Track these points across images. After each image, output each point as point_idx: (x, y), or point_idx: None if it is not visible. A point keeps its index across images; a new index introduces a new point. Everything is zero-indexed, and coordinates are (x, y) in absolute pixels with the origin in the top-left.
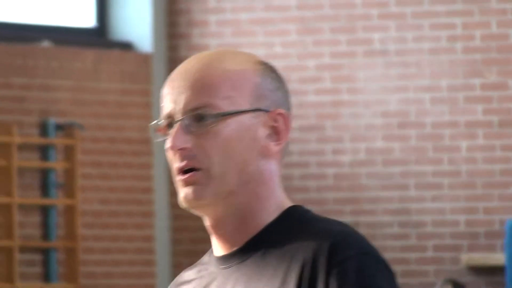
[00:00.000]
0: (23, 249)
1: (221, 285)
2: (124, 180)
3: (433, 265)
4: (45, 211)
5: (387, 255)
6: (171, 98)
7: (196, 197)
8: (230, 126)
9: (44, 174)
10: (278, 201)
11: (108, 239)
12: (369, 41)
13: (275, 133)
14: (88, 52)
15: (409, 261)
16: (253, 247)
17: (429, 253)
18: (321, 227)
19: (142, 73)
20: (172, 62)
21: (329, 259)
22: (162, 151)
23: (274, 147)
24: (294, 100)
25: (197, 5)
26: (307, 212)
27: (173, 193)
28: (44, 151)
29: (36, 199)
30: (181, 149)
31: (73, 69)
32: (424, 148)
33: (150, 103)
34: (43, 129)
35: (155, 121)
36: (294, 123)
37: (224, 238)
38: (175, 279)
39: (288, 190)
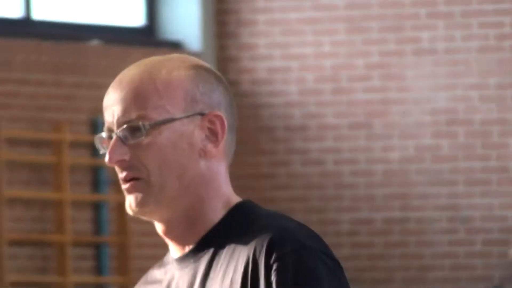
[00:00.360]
0: (76, 244)
1: (180, 285)
2: None
3: (481, 259)
4: (96, 207)
5: (435, 250)
6: (108, 111)
7: (139, 204)
8: (163, 134)
9: (95, 171)
10: (224, 199)
11: (158, 234)
12: (417, 39)
13: (212, 134)
14: (137, 51)
15: (457, 255)
16: (204, 247)
17: (477, 248)
18: (262, 224)
19: None
20: (221, 61)
21: (268, 256)
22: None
23: (212, 148)
24: (343, 98)
25: (246, 4)
26: (254, 207)
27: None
28: (94, 149)
29: (88, 195)
30: (119, 161)
31: (122, 68)
32: (472, 145)
33: None
34: (93, 127)
35: (97, 135)
36: (344, 121)
37: (176, 240)
38: (144, 276)
39: (338, 186)
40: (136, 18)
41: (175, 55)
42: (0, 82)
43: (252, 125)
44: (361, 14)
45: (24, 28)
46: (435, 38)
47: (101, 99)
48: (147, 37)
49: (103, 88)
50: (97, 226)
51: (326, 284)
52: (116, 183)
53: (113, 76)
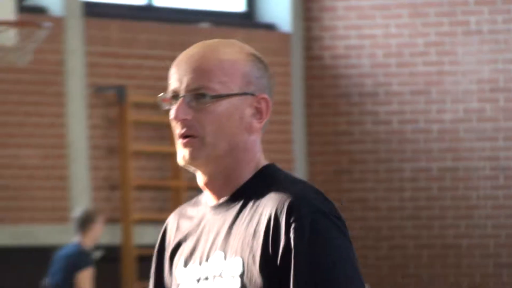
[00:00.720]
0: (189, 188)
1: (210, 226)
2: (268, 134)
3: None
4: None
5: (480, 193)
6: (176, 77)
7: (191, 157)
8: (223, 106)
9: None
10: (255, 163)
11: None
12: (467, 23)
13: (258, 113)
14: (238, 32)
15: (498, 197)
16: (235, 199)
17: None
18: (283, 187)
19: (283, 49)
20: (307, 40)
21: (288, 216)
22: (299, 111)
23: (256, 124)
24: (406, 70)
25: None
26: (275, 171)
27: (311, 143)
28: None
29: None
30: (182, 119)
31: None
32: (510, 108)
33: (288, 72)
34: None
35: (162, 94)
36: (406, 88)
37: (214, 192)
38: (179, 209)
39: (402, 141)
40: (238, 4)
41: (234, 41)
42: (127, 56)
43: (332, 92)
44: (421, 2)
45: (147, 13)
46: (481, 21)
47: None
48: (247, 20)
49: None
50: None
51: (335, 241)
52: None
53: None
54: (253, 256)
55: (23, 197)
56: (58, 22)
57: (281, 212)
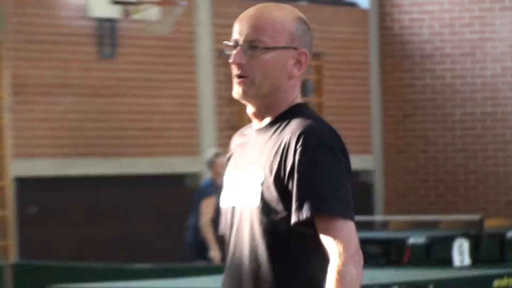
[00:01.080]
0: None
1: (252, 144)
2: (351, 86)
3: None
4: None
5: None
6: (238, 30)
7: (243, 94)
8: (270, 55)
9: (303, 83)
10: (292, 101)
11: None
12: (503, 1)
13: (298, 63)
14: (328, 9)
15: None
16: (271, 126)
17: None
18: (301, 122)
19: (363, 22)
20: (381, 15)
21: (297, 143)
22: (375, 69)
23: (296, 72)
24: (456, 37)
25: None
26: (303, 109)
27: (384, 94)
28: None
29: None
30: (238, 63)
31: (316, 19)
32: None
33: (367, 40)
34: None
35: (226, 42)
36: (456, 51)
37: (258, 119)
38: (241, 129)
39: (453, 92)
40: None
41: (286, 5)
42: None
43: (400, 54)
44: None
45: None
46: None
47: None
48: (335, 0)
49: None
50: None
51: (329, 166)
52: (316, 90)
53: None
54: (271, 171)
55: (163, 136)
56: (190, 1)
57: (293, 139)
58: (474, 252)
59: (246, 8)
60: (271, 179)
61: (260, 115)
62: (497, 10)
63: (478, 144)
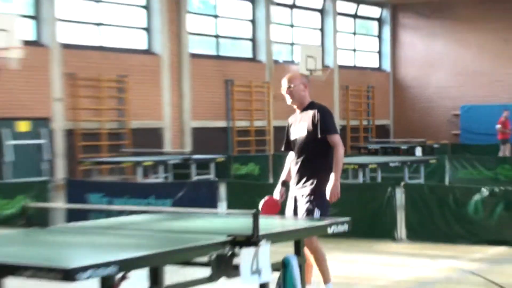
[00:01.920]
0: None
1: (298, 117)
2: None
3: None
4: None
5: None
6: (283, 86)
7: (292, 103)
8: (297, 88)
9: None
10: (308, 100)
11: None
12: None
13: (306, 88)
14: None
15: None
16: (303, 111)
17: None
18: (316, 105)
19: None
20: None
21: (316, 111)
22: None
23: (306, 92)
24: None
25: None
26: (315, 102)
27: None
28: None
29: None
30: (288, 94)
31: None
32: None
33: None
34: None
35: (282, 91)
36: None
37: (299, 108)
38: (293, 114)
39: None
40: None
41: (297, 71)
42: None
43: None
44: None
45: None
46: None
47: None
48: None
49: None
50: None
51: (330, 119)
52: None
53: None
54: (308, 123)
55: None
56: None
57: (315, 111)
58: None
59: None
60: (309, 125)
61: (299, 107)
62: None
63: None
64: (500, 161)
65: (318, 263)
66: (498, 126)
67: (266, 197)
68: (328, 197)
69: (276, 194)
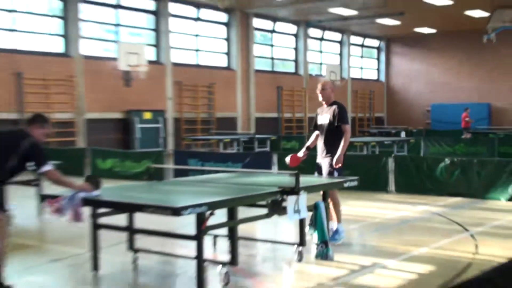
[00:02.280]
0: None
1: (325, 110)
2: None
3: None
4: None
5: None
6: (318, 89)
7: (323, 102)
8: (327, 91)
9: None
10: (333, 99)
11: None
12: None
13: (332, 91)
14: None
15: None
16: (329, 106)
17: None
18: (336, 103)
19: None
20: None
21: (335, 107)
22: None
23: (332, 94)
24: None
25: None
26: (337, 101)
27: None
28: None
29: None
30: (321, 95)
31: None
32: None
33: None
34: None
35: (317, 89)
36: None
37: (326, 103)
38: (321, 107)
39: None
40: None
41: (329, 80)
42: None
43: None
44: None
45: None
46: None
47: None
48: None
49: None
50: None
51: (345, 113)
52: None
53: None
54: (329, 115)
55: None
56: None
57: (335, 106)
58: None
59: None
60: (331, 117)
61: (326, 103)
62: None
63: None
64: (458, 141)
65: (335, 207)
66: (467, 118)
67: (292, 154)
68: (333, 163)
69: (300, 153)
